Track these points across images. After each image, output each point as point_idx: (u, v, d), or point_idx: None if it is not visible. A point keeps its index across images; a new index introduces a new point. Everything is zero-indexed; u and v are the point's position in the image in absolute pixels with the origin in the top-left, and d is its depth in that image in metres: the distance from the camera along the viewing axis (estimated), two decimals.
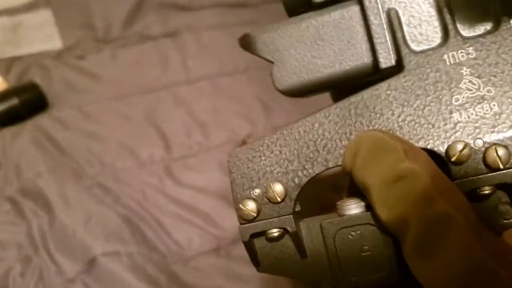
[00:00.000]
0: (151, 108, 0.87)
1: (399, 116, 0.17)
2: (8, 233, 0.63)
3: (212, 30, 1.14)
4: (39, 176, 0.70)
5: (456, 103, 0.16)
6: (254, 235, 0.20)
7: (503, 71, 0.16)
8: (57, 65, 0.98)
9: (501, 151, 0.15)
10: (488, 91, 0.16)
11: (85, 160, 0.74)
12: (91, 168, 0.73)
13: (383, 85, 0.17)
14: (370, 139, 0.17)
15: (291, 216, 0.19)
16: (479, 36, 0.16)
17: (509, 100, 0.16)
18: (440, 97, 0.16)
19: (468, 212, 0.15)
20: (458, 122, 0.16)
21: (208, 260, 0.60)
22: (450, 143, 0.16)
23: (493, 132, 0.16)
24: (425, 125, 0.17)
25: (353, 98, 0.18)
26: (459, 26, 0.16)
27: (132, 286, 0.54)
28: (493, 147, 0.16)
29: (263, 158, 0.19)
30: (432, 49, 0.17)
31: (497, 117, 0.16)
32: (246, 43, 0.20)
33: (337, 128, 0.18)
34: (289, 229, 0.18)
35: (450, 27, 0.16)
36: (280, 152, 0.19)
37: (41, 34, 1.07)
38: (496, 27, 0.16)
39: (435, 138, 0.17)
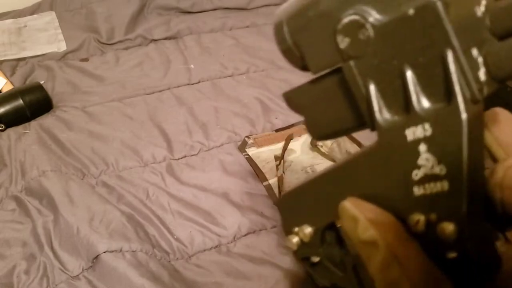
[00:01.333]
0: (153, 109, 0.88)
1: (375, 186, 0.19)
2: (13, 232, 0.64)
3: (213, 32, 1.16)
4: (44, 175, 0.71)
5: (416, 178, 0.18)
6: (303, 259, 0.25)
7: (452, 152, 0.17)
8: (61, 66, 1.00)
9: (450, 227, 0.17)
10: (441, 170, 0.17)
11: (89, 160, 0.76)
12: (95, 168, 0.74)
13: (365, 154, 0.20)
14: (345, 209, 0.20)
15: (321, 249, 0.23)
16: (435, 111, 0.17)
17: (458, 180, 0.17)
18: (404, 171, 0.18)
19: (423, 277, 0.17)
20: (416, 196, 0.18)
21: (209, 257, 0.61)
22: (410, 214, 0.18)
23: (445, 208, 0.17)
24: (394, 197, 0.19)
25: (347, 164, 0.21)
26: (418, 99, 0.17)
27: (135, 282, 0.55)
28: (444, 223, 0.17)
29: (297, 204, 0.24)
30: (397, 122, 0.18)
31: (448, 195, 0.17)
32: (285, 101, 0.24)
33: (337, 187, 0.21)
34: (320, 259, 0.23)
35: (411, 99, 0.17)
36: (305, 201, 0.23)
37: (45, 37, 1.09)
38: (448, 103, 0.16)
39: (400, 209, 0.18)
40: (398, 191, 0.18)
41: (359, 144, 0.73)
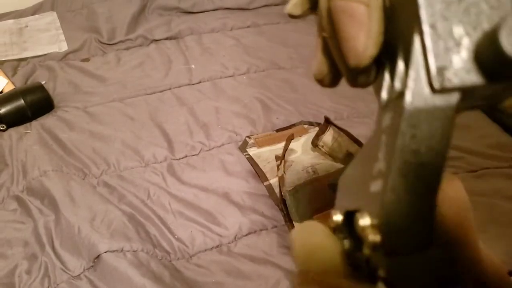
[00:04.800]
0: (154, 109, 0.89)
1: None
2: (15, 231, 0.64)
3: (213, 32, 1.16)
4: (45, 175, 0.71)
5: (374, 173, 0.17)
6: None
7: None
8: (62, 66, 1.00)
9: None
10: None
11: (90, 160, 0.76)
12: (96, 168, 0.74)
13: None
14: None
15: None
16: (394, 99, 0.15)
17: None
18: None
19: None
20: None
21: (210, 257, 0.61)
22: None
23: None
24: None
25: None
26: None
27: (136, 282, 0.55)
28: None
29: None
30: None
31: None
32: None
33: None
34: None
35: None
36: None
37: (46, 37, 1.09)
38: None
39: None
40: None
41: (360, 144, 0.73)
